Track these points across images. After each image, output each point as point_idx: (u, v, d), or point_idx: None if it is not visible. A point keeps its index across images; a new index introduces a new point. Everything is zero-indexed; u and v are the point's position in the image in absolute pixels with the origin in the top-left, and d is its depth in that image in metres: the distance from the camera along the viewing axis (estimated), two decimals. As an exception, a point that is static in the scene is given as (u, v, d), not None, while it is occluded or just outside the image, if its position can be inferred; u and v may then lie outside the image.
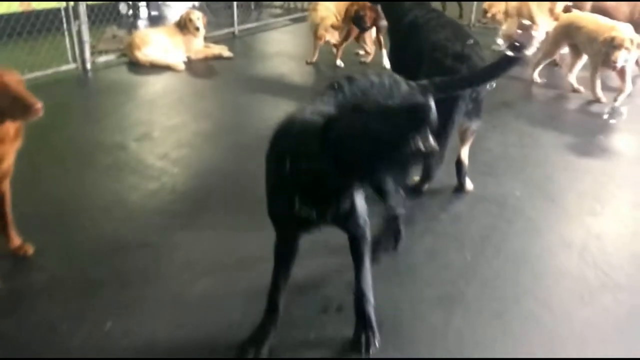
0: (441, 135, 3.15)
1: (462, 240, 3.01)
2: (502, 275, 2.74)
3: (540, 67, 5.67)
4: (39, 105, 2.40)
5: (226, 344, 2.25)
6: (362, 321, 2.25)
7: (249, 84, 5.75)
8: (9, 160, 2.55)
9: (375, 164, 1.74)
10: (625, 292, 2.64)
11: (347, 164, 1.76)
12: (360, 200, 2.12)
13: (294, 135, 1.91)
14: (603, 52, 4.80)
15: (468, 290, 2.63)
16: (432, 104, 1.67)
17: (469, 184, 3.52)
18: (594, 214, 3.30)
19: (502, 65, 2.52)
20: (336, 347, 2.26)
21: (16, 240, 2.77)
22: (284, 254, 2.21)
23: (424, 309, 2.51)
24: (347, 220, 2.10)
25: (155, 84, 5.86)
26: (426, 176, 3.38)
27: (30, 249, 2.78)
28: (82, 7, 5.90)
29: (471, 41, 3.16)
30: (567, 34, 5.34)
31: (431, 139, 1.71)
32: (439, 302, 2.55)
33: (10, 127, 2.50)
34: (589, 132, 4.59)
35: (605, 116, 4.67)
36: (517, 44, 2.42)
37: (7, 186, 2.65)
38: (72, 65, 5.97)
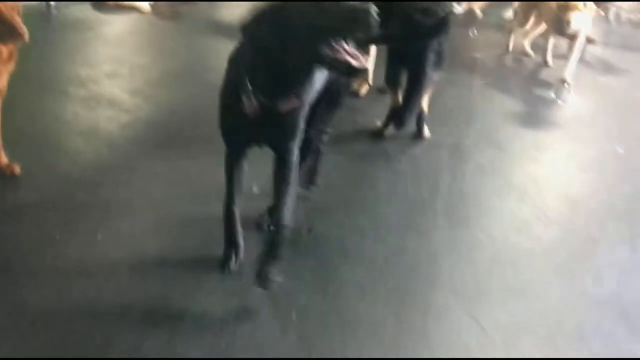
0: (415, 85, 3.45)
1: (418, 178, 3.36)
2: (452, 209, 3.10)
3: (514, 35, 5.91)
4: (24, 30, 2.51)
5: (210, 258, 2.50)
6: (272, 252, 2.29)
7: (215, 28, 5.81)
8: (3, 81, 2.68)
9: (309, 53, 1.90)
10: (556, 226, 3.06)
11: (292, 47, 1.91)
12: (298, 135, 2.26)
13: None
14: (558, 17, 5.12)
15: (422, 220, 2.98)
16: (374, 12, 1.81)
17: (426, 131, 3.83)
18: (535, 161, 3.71)
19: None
20: (307, 264, 2.57)
21: (4, 159, 2.91)
22: (234, 166, 2.38)
23: (385, 234, 2.84)
24: (282, 137, 2.22)
25: (121, 23, 5.86)
26: (396, 122, 3.63)
27: (17, 169, 2.92)
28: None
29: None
30: (533, 5, 5.65)
31: (362, 58, 1.90)
32: (397, 228, 2.89)
33: (3, 49, 2.61)
34: (537, 92, 4.98)
35: (552, 94, 4.99)
36: None
37: (-2, 106, 2.78)
38: (34, 2, 5.88)
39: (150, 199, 2.91)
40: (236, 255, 2.46)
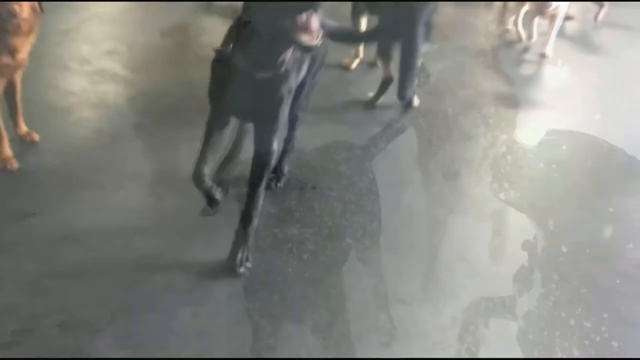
0: (409, 57, 3.68)
1: (410, 141, 3.63)
2: (442, 166, 3.41)
3: (518, 16, 6.14)
4: (15, 7, 2.65)
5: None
6: (241, 241, 2.46)
7: (206, 7, 5.96)
8: (24, 53, 2.84)
9: (274, 24, 2.01)
10: (536, 181, 3.38)
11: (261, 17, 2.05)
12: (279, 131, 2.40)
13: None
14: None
15: (415, 176, 3.29)
16: None
17: (415, 100, 4.07)
18: (517, 127, 3.99)
19: None
20: (314, 216, 2.84)
21: (24, 127, 3.09)
22: (213, 132, 2.43)
23: (381, 189, 3.11)
24: (261, 111, 2.31)
25: (113, 3, 5.96)
26: (399, 94, 3.81)
27: (36, 136, 3.11)
28: None
29: None
30: None
31: (317, 36, 1.98)
32: (392, 184, 3.18)
33: (23, 23, 2.77)
34: (520, 66, 5.26)
35: (534, 68, 5.29)
36: None
37: (19, 77, 2.95)
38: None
39: (160, 163, 3.11)
40: (213, 207, 2.58)
